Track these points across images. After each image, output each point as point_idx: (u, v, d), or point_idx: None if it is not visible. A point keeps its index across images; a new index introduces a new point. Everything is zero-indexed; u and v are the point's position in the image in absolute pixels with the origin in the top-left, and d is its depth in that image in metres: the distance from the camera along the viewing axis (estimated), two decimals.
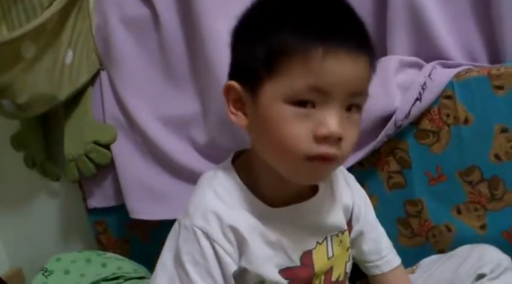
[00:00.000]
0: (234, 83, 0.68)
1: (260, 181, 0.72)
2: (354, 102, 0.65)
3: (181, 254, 0.68)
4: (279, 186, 0.71)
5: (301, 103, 0.63)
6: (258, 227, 0.70)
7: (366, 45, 0.66)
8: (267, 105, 0.65)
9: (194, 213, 0.69)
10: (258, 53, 0.65)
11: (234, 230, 0.68)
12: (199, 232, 0.67)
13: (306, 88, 0.62)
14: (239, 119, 0.69)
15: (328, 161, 0.64)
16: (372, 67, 0.67)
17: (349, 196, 0.80)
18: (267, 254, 0.71)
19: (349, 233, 0.80)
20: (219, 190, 0.71)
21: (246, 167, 0.73)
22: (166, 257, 0.70)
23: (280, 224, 0.71)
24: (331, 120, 0.62)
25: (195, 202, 0.70)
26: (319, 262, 0.74)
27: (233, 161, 0.74)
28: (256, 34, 0.66)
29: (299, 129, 0.63)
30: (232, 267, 0.68)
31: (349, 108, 0.65)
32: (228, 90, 0.69)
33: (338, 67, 0.62)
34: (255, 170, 0.72)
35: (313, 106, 0.63)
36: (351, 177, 0.83)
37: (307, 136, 0.63)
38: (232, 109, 0.69)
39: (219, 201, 0.70)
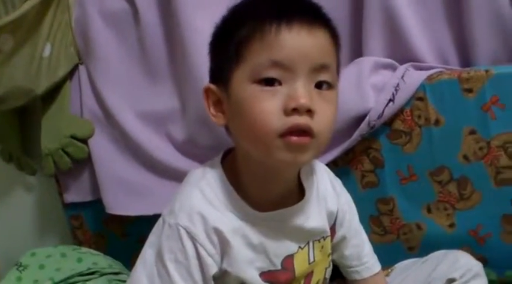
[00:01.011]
0: (210, 85, 0.71)
1: (246, 183, 0.72)
2: (321, 78, 0.66)
3: (163, 252, 0.68)
4: (263, 187, 0.72)
5: (267, 81, 0.65)
6: (242, 230, 0.71)
7: (321, 17, 0.68)
8: (237, 89, 0.67)
9: (179, 212, 0.69)
10: (227, 52, 0.68)
11: (218, 232, 0.69)
12: (183, 231, 0.68)
13: (267, 64, 0.64)
14: (219, 119, 0.71)
15: (302, 135, 0.64)
16: (333, 40, 0.69)
17: (334, 201, 0.81)
18: (249, 257, 0.71)
19: (332, 238, 0.81)
20: (206, 190, 0.71)
21: (233, 168, 0.74)
22: (147, 253, 0.71)
23: (264, 228, 0.72)
24: (298, 92, 0.64)
25: (181, 201, 0.71)
26: (300, 266, 0.75)
27: (222, 160, 0.75)
28: (225, 38, 0.69)
29: (269, 106, 0.64)
30: (213, 268, 0.69)
31: (319, 86, 0.66)
32: (206, 93, 0.72)
33: (293, 39, 0.64)
34: (240, 171, 0.73)
35: (280, 84, 0.65)
36: (338, 182, 0.84)
37: (277, 112, 0.64)
38: (213, 112, 0.72)
39: (205, 202, 0.70)
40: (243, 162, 0.72)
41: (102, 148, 1.11)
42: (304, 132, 0.64)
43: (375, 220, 1.01)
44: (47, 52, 1.05)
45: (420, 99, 0.93)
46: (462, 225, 0.96)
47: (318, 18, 0.67)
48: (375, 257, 0.86)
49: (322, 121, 0.65)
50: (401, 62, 0.97)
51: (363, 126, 0.93)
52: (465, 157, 0.93)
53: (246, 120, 0.66)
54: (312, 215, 0.76)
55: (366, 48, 0.97)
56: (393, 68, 0.96)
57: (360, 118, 0.94)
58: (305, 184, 0.76)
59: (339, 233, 0.82)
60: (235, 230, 0.70)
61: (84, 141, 1.11)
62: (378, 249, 0.91)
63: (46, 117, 1.13)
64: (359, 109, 0.93)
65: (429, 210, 0.97)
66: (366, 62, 0.95)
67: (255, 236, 0.71)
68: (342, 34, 0.96)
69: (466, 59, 0.96)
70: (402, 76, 0.93)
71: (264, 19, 0.65)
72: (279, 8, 0.66)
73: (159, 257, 0.69)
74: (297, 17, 0.65)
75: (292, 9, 0.66)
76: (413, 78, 0.93)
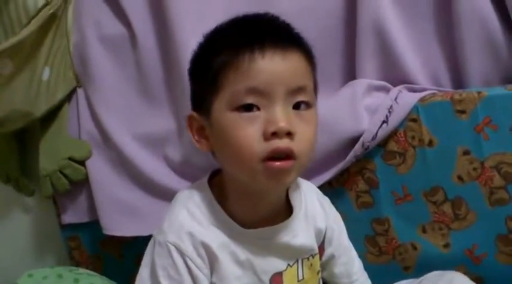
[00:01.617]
0: (192, 113, 0.74)
1: (233, 203, 0.74)
2: (298, 99, 0.68)
3: (156, 270, 0.70)
4: (250, 206, 0.74)
5: (246, 107, 0.66)
6: (229, 246, 0.72)
7: (293, 39, 0.70)
8: (218, 118, 0.69)
9: (168, 230, 0.71)
10: (205, 80, 0.70)
11: (206, 246, 0.71)
12: (172, 248, 0.70)
13: (244, 91, 0.66)
14: (203, 145, 0.73)
15: (284, 160, 0.66)
16: (308, 60, 0.70)
17: (323, 219, 0.82)
18: (236, 274, 0.73)
19: (321, 256, 0.82)
20: (193, 209, 0.73)
21: (220, 187, 0.75)
22: (143, 272, 0.73)
23: (252, 246, 0.73)
24: (276, 116, 0.65)
25: (170, 220, 0.73)
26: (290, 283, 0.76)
27: (209, 180, 0.77)
28: (202, 66, 0.71)
29: (249, 132, 0.66)
30: (204, 282, 0.71)
31: (297, 107, 0.68)
32: (189, 121, 0.74)
33: (267, 65, 0.66)
34: (227, 192, 0.74)
35: (258, 109, 0.66)
36: (327, 201, 0.85)
37: (257, 137, 0.66)
38: (197, 138, 0.74)
39: (192, 220, 0.72)
40: (230, 184, 0.74)
41: (99, 169, 1.12)
42: (286, 155, 0.66)
43: (370, 240, 1.01)
44: (45, 76, 1.06)
45: (414, 120, 0.94)
46: (457, 245, 0.97)
47: (291, 41, 0.69)
48: (365, 274, 0.87)
49: (302, 142, 0.67)
50: (395, 84, 0.98)
51: (357, 147, 0.94)
52: (459, 177, 0.94)
53: (228, 147, 0.68)
54: (300, 233, 0.77)
55: (360, 70, 0.98)
56: (386, 90, 0.98)
57: (354, 140, 0.95)
58: (293, 202, 0.78)
59: (328, 251, 0.83)
60: (223, 246, 0.72)
61: (82, 163, 1.12)
62: (374, 269, 0.92)
63: (44, 139, 1.14)
64: (353, 131, 0.94)
65: (424, 230, 0.98)
66: (360, 84, 0.97)
67: (242, 253, 0.73)
68: (335, 57, 1.01)
69: (458, 81, 0.97)
70: (395, 98, 0.94)
71: (237, 47, 0.67)
72: (251, 35, 0.68)
73: (153, 275, 0.71)
74: (269, 42, 0.66)
75: (264, 34, 0.68)
76: (406, 99, 0.94)
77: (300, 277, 0.77)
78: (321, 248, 0.82)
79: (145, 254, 0.74)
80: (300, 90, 0.68)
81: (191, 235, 0.70)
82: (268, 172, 0.66)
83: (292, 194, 0.78)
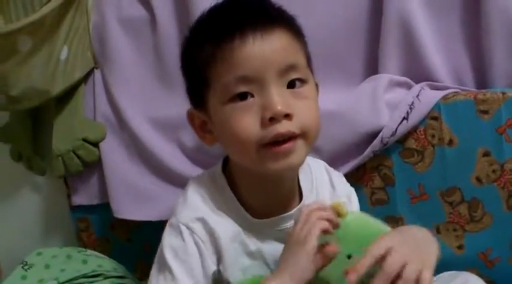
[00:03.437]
0: (191, 110, 0.74)
1: (244, 190, 0.73)
2: (292, 77, 0.66)
3: (163, 250, 0.70)
4: (261, 194, 0.73)
5: (240, 96, 0.65)
6: (240, 236, 0.72)
7: (274, 19, 0.67)
8: (215, 111, 0.68)
9: (181, 212, 0.71)
10: (195, 76, 0.70)
11: (216, 234, 0.70)
12: (183, 228, 0.70)
13: (234, 81, 0.65)
14: (208, 139, 0.73)
15: (287, 142, 0.65)
16: (294, 35, 0.68)
17: (333, 199, 0.80)
18: (245, 264, 0.72)
19: None
20: (206, 195, 0.73)
21: (232, 175, 0.75)
22: (160, 253, 0.72)
23: (263, 235, 0.73)
24: (271, 101, 0.64)
25: (184, 203, 0.73)
26: None
27: (224, 166, 0.76)
28: (190, 61, 0.71)
29: (246, 121, 0.65)
30: (212, 266, 0.71)
31: (292, 85, 0.66)
32: (190, 118, 0.74)
33: (250, 50, 0.64)
34: (238, 180, 0.74)
35: (252, 96, 0.65)
36: (336, 176, 0.84)
37: (255, 125, 0.65)
38: (200, 133, 0.74)
39: (205, 205, 0.72)
40: (240, 173, 0.73)
41: (112, 152, 1.12)
42: (288, 138, 0.65)
43: None
44: (64, 55, 1.06)
45: (435, 118, 0.93)
46: (471, 247, 0.96)
47: (270, 20, 0.66)
48: None
49: (303, 119, 0.66)
50: (417, 81, 0.96)
51: (376, 142, 0.93)
52: (478, 179, 0.92)
53: (230, 139, 0.68)
54: None
55: (382, 65, 0.96)
56: (408, 86, 0.96)
57: (373, 135, 0.94)
58: (303, 187, 0.77)
59: None
60: (234, 235, 0.71)
61: (96, 145, 1.12)
62: None
63: (59, 118, 1.13)
64: (373, 125, 0.93)
65: (438, 231, 0.97)
66: (381, 79, 0.95)
67: (253, 244, 0.72)
68: (358, 50, 0.99)
69: (482, 81, 0.96)
70: (417, 95, 0.93)
71: (218, 38, 0.66)
72: (230, 22, 0.66)
73: (160, 256, 0.70)
74: (249, 26, 0.65)
75: (243, 19, 0.66)
76: (428, 97, 0.93)
77: None
78: None
79: (162, 239, 0.73)
80: (290, 68, 0.66)
81: (204, 220, 0.70)
82: (274, 157, 0.65)
83: (303, 178, 0.77)
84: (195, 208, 0.71)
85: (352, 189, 0.86)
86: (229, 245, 0.71)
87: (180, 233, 0.69)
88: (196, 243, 0.69)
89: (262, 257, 0.73)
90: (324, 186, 0.81)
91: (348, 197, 0.84)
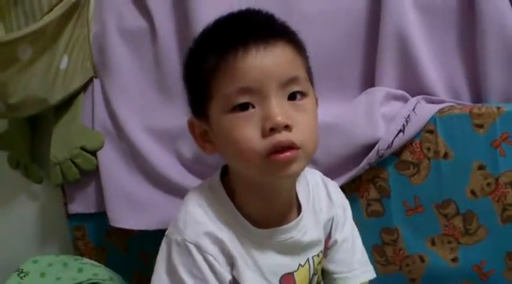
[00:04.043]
0: (192, 119, 0.74)
1: (244, 200, 0.73)
2: (292, 89, 0.67)
3: (178, 269, 0.69)
4: (261, 204, 0.73)
5: (241, 107, 0.66)
6: (240, 247, 0.72)
7: (277, 32, 0.69)
8: (216, 122, 0.69)
9: (185, 228, 0.71)
10: (198, 86, 0.70)
11: (225, 243, 0.70)
12: (191, 246, 0.69)
13: (235, 92, 0.66)
14: (208, 149, 0.74)
15: (288, 151, 0.65)
16: (295, 49, 0.69)
17: (330, 209, 0.82)
18: (248, 276, 0.72)
19: (327, 243, 0.82)
20: (207, 207, 0.73)
21: (231, 185, 0.75)
22: (160, 270, 0.72)
23: (262, 246, 0.73)
24: (272, 112, 0.65)
25: (185, 218, 0.72)
26: (302, 282, 0.77)
27: (222, 176, 0.76)
28: (193, 71, 0.72)
29: (247, 131, 0.66)
30: (227, 276, 0.71)
31: (292, 97, 0.67)
32: (191, 127, 0.75)
33: (252, 62, 0.66)
34: (238, 190, 0.74)
35: (253, 106, 0.66)
36: (332, 185, 0.85)
37: (256, 135, 0.66)
38: (201, 143, 0.74)
39: (207, 218, 0.72)
40: (240, 183, 0.74)
41: (110, 161, 1.12)
42: (288, 147, 0.65)
43: (378, 249, 1.00)
44: (63, 64, 1.06)
45: (430, 131, 0.94)
46: (465, 260, 0.96)
47: (274, 33, 0.68)
48: (367, 267, 0.84)
49: (302, 132, 0.67)
50: (413, 94, 0.97)
51: (372, 154, 0.94)
52: (472, 192, 0.93)
53: (231, 149, 0.68)
54: (309, 229, 0.77)
55: (379, 78, 0.98)
56: (404, 100, 0.97)
57: (369, 147, 0.94)
58: (300, 198, 0.77)
59: (333, 238, 0.82)
60: (235, 245, 0.71)
61: (94, 153, 1.12)
62: (380, 280, 0.91)
63: (57, 127, 1.14)
64: (368, 138, 0.94)
65: (433, 243, 0.97)
66: (378, 92, 0.96)
67: (251, 255, 0.72)
68: (355, 63, 1.00)
69: (477, 95, 0.97)
70: (413, 108, 0.93)
71: (221, 50, 0.67)
72: (234, 35, 0.68)
73: (173, 273, 0.70)
74: (251, 39, 0.66)
75: (246, 32, 0.67)
76: (424, 110, 0.94)
77: (311, 273, 0.78)
78: (328, 236, 0.82)
79: (159, 254, 0.73)
80: (291, 81, 0.67)
81: (210, 234, 0.70)
82: (274, 165, 0.66)
83: (300, 189, 0.78)
84: (199, 222, 0.71)
85: (347, 201, 0.86)
86: (235, 252, 0.71)
87: (189, 252, 0.69)
88: (206, 259, 0.69)
89: (259, 270, 0.73)
90: (320, 197, 0.82)
91: (343, 209, 0.84)
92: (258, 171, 0.68)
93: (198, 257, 0.69)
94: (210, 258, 0.69)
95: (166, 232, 0.73)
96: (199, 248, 0.69)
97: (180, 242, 0.70)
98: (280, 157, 0.65)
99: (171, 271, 0.70)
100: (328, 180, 0.85)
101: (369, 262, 0.85)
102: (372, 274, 0.84)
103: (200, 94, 0.70)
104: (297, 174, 0.72)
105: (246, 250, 0.72)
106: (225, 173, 0.77)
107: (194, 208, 0.73)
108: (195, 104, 0.74)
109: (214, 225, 0.71)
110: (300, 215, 0.75)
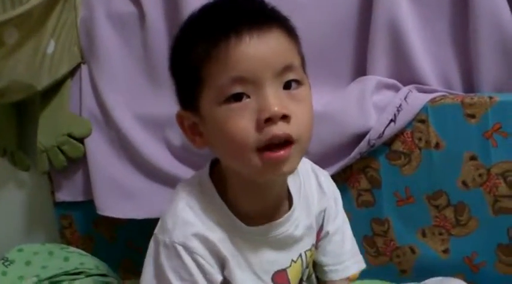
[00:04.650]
0: (181, 111, 0.71)
1: (234, 196, 0.71)
2: (288, 78, 0.64)
3: (167, 273, 0.67)
4: (252, 200, 0.71)
5: (235, 97, 0.63)
6: (231, 247, 0.70)
7: (269, 18, 0.65)
8: (208, 113, 0.66)
9: (173, 230, 0.68)
10: (188, 76, 0.67)
11: (215, 244, 0.68)
12: (180, 248, 0.67)
13: (229, 82, 0.63)
14: (198, 142, 0.70)
15: (282, 147, 0.63)
16: (289, 36, 0.66)
17: (322, 200, 0.80)
18: (240, 276, 0.70)
19: (319, 235, 0.80)
20: (195, 205, 0.70)
21: (221, 180, 0.72)
22: (147, 273, 0.69)
23: (255, 242, 0.71)
24: (268, 102, 0.62)
25: (173, 217, 0.69)
26: (295, 278, 0.75)
27: (210, 171, 0.74)
28: (182, 61, 0.69)
29: (242, 123, 0.63)
30: (217, 277, 0.69)
31: (287, 86, 0.64)
32: (180, 120, 0.71)
33: (246, 50, 0.62)
34: (228, 186, 0.72)
35: (248, 96, 0.63)
36: (323, 176, 0.82)
37: (252, 127, 0.62)
38: (190, 136, 0.71)
39: (195, 217, 0.69)
40: (230, 178, 0.71)
41: (98, 148, 1.11)
42: (284, 141, 0.63)
43: (369, 240, 1.00)
44: (50, 49, 1.05)
45: (422, 121, 0.93)
46: (456, 251, 0.95)
47: (266, 20, 0.65)
48: (357, 257, 0.83)
49: (300, 123, 0.64)
50: (405, 83, 0.96)
51: (363, 144, 0.93)
52: (464, 183, 0.92)
53: (223, 142, 0.65)
54: (301, 222, 0.75)
55: (370, 67, 0.96)
56: (396, 89, 0.96)
57: (360, 137, 0.93)
58: (292, 192, 0.75)
59: (325, 229, 0.81)
60: (226, 244, 0.69)
61: (81, 141, 1.10)
62: (370, 271, 0.90)
63: (44, 113, 1.12)
64: (360, 127, 0.93)
65: (424, 234, 0.96)
66: (369, 81, 0.95)
67: (242, 253, 0.70)
68: (347, 51, 0.99)
69: (469, 85, 0.96)
70: (405, 98, 0.92)
71: (213, 37, 0.64)
72: (225, 21, 0.64)
73: (162, 277, 0.68)
74: (244, 26, 0.63)
75: (238, 18, 0.64)
76: (416, 100, 0.92)
77: (304, 267, 0.77)
78: (321, 228, 0.80)
79: (147, 255, 0.71)
80: (287, 68, 0.64)
81: (199, 235, 0.68)
82: (267, 163, 0.63)
83: (291, 183, 0.76)
84: (188, 223, 0.68)
85: (338, 192, 0.84)
86: (226, 252, 0.69)
87: (178, 254, 0.67)
88: (196, 261, 0.67)
89: (250, 268, 0.71)
90: (312, 189, 0.80)
91: (334, 199, 0.83)
92: (250, 168, 0.65)
93: (187, 259, 0.67)
94: (199, 259, 0.67)
95: (155, 231, 0.71)
96: (187, 249, 0.67)
97: (168, 245, 0.67)
98: (274, 156, 0.63)
99: (159, 275, 0.68)
100: (319, 169, 0.84)
101: (359, 253, 0.84)
102: (362, 265, 0.83)
103: (189, 84, 0.67)
104: (291, 173, 0.69)
105: (237, 250, 0.70)
106: (213, 166, 0.74)
107: (183, 208, 0.70)
108: (184, 95, 0.70)
109: (204, 226, 0.68)
110: (292, 209, 0.73)
